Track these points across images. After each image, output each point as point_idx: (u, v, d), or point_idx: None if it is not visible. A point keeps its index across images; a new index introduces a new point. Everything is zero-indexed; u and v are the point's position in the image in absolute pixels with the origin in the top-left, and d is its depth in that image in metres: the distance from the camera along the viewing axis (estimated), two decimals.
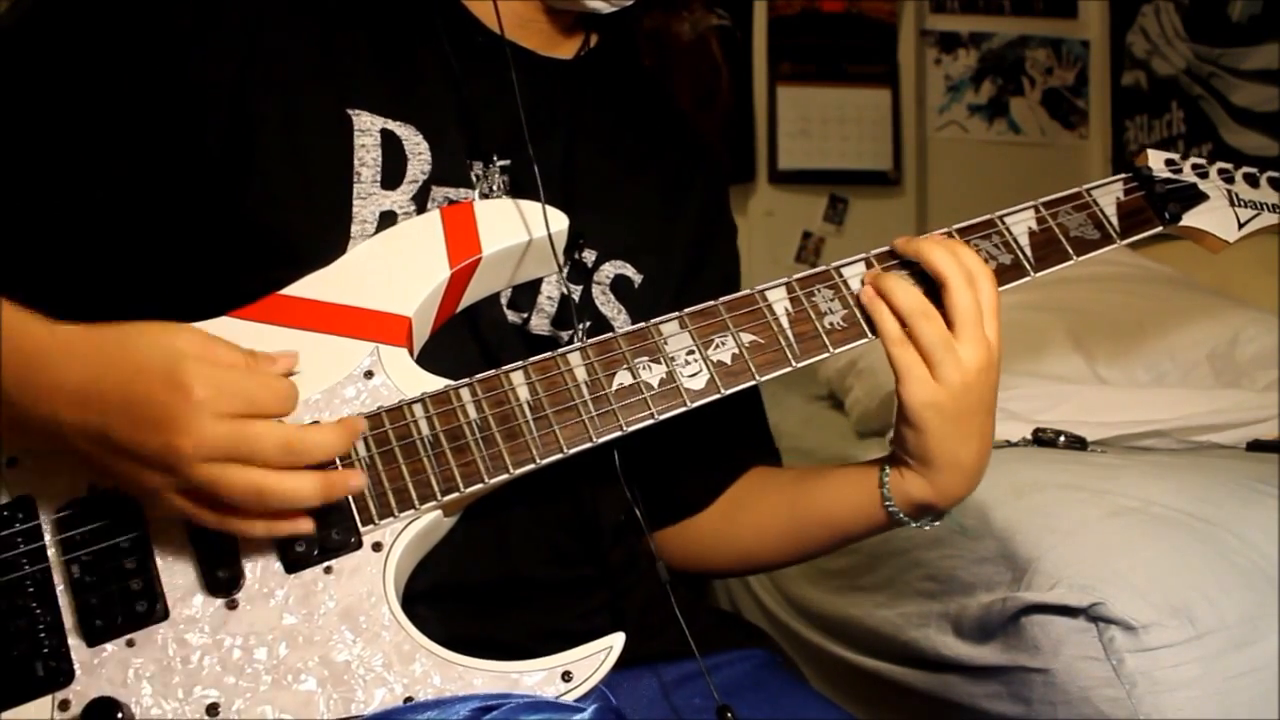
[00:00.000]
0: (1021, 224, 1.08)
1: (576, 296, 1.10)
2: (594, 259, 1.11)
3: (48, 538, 0.89)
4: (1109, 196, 1.12)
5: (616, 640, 0.92)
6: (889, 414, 2.21)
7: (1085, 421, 1.80)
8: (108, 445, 0.82)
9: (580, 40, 1.17)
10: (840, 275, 1.04)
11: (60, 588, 0.88)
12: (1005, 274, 1.06)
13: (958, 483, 1.04)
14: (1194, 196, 1.15)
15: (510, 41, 1.10)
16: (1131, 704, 1.20)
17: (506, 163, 1.07)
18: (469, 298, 1.03)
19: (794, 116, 3.80)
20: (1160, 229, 1.13)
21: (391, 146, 1.01)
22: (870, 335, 1.03)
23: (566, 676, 0.90)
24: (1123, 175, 1.14)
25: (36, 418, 0.83)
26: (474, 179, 1.06)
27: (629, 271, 1.13)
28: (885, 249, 1.06)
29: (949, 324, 0.99)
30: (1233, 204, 1.16)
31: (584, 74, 1.16)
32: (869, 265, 1.04)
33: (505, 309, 1.07)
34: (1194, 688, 1.19)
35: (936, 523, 1.09)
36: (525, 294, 1.07)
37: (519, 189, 1.06)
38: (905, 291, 1.00)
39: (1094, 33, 3.95)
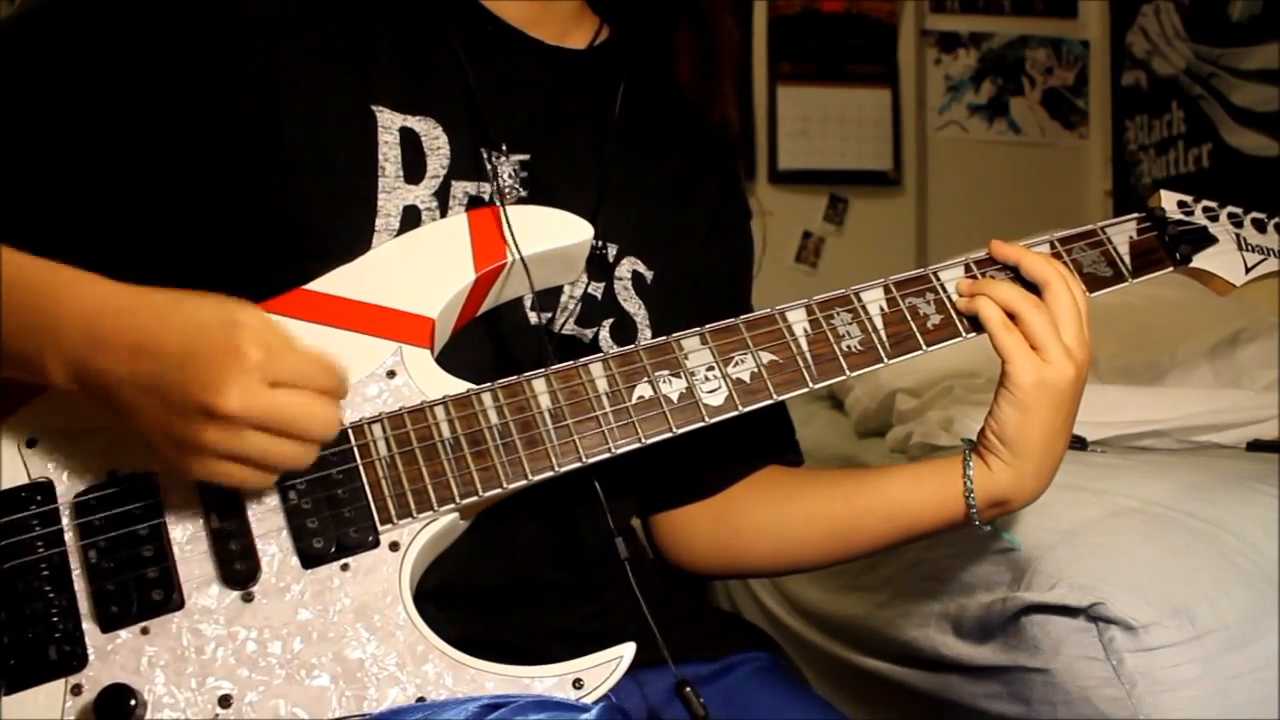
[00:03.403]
0: (1047, 255, 1.10)
1: (599, 294, 1.10)
2: (615, 253, 1.12)
3: (65, 521, 0.90)
4: (1122, 235, 1.14)
5: (627, 650, 0.93)
6: (888, 414, 2.22)
7: (1085, 421, 1.78)
8: (156, 394, 0.82)
9: (592, 31, 1.17)
10: (859, 300, 1.05)
11: (76, 572, 0.89)
12: None
13: (1041, 477, 1.07)
14: (1204, 239, 1.17)
15: (522, 31, 1.11)
16: (1131, 704, 1.20)
17: (525, 157, 1.08)
18: (492, 301, 1.04)
19: (794, 116, 3.80)
20: (1171, 269, 1.15)
21: (410, 143, 1.02)
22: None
23: (577, 684, 0.91)
24: (1136, 215, 1.16)
25: (93, 369, 0.84)
26: (490, 172, 1.06)
27: (641, 267, 1.14)
28: (908, 274, 1.08)
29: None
30: (1241, 248, 1.18)
31: (597, 65, 1.17)
32: (887, 291, 1.06)
33: (528, 310, 1.07)
34: (1194, 688, 1.19)
35: (988, 529, 1.11)
36: (548, 294, 1.07)
37: (536, 182, 1.06)
38: (1009, 285, 1.05)
39: (1094, 33, 3.95)
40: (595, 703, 0.90)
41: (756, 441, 1.23)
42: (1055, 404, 1.03)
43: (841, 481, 1.18)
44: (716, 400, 0.99)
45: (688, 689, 0.94)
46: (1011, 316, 1.04)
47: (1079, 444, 1.74)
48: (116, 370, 0.83)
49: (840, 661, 1.78)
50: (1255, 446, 1.76)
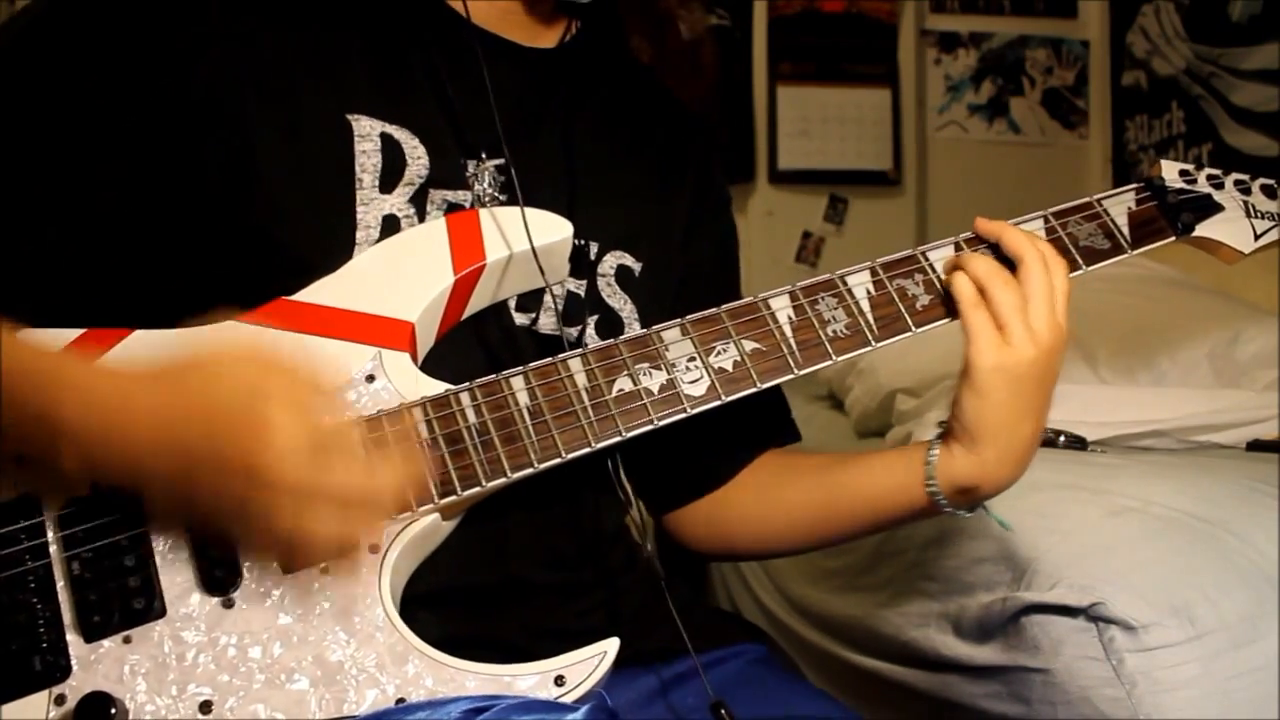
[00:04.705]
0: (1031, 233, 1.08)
1: (582, 292, 1.10)
2: (596, 250, 1.11)
3: (50, 534, 0.90)
4: (1120, 206, 1.11)
5: (611, 645, 0.92)
6: (888, 414, 2.22)
7: (1085, 421, 1.79)
8: (189, 468, 0.82)
9: (562, 28, 1.16)
10: (844, 284, 1.04)
11: (60, 584, 0.89)
12: None
13: (1007, 463, 1.03)
14: (1208, 207, 1.14)
15: (493, 34, 1.10)
16: (1131, 704, 1.20)
17: (502, 161, 1.07)
18: (475, 304, 1.03)
19: (794, 116, 3.80)
20: (1173, 239, 1.12)
21: (391, 150, 1.01)
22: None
23: (559, 681, 0.90)
24: (1135, 185, 1.14)
25: (115, 452, 0.84)
26: (469, 179, 1.06)
27: (629, 261, 1.13)
28: (896, 255, 1.06)
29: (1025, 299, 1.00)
30: (1249, 215, 1.15)
31: (569, 62, 1.16)
32: (874, 274, 1.05)
33: (513, 311, 1.07)
34: (1194, 688, 1.19)
35: (969, 514, 1.08)
36: (532, 294, 1.07)
37: (514, 187, 1.06)
38: (985, 260, 1.02)
39: (1094, 33, 3.95)
40: (582, 704, 0.89)
41: (757, 426, 1.23)
42: (1013, 388, 1.00)
43: (823, 471, 1.17)
44: (698, 390, 0.98)
45: (723, 710, 0.94)
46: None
47: (1079, 444, 1.74)
48: (138, 449, 0.83)
49: (840, 661, 1.78)
50: (1255, 446, 1.76)
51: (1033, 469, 1.53)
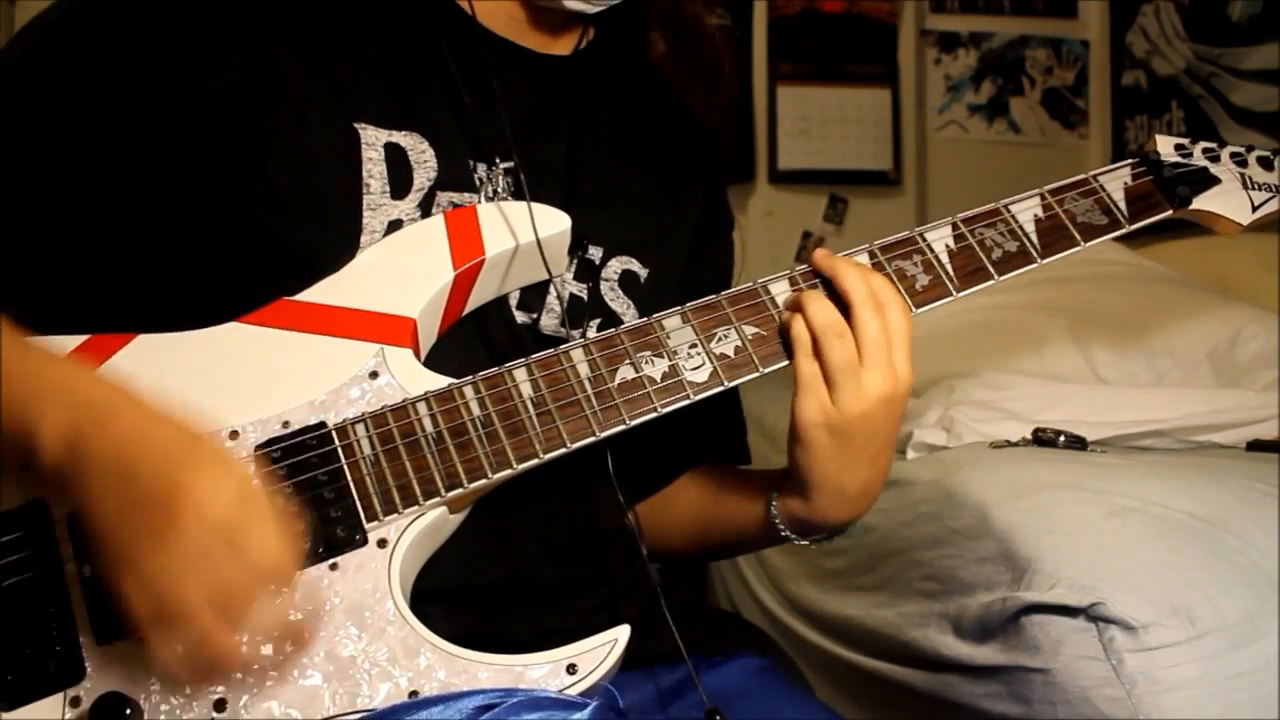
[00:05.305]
0: (1027, 211, 1.08)
1: (585, 294, 1.10)
2: (600, 255, 1.12)
3: (60, 537, 0.89)
4: (1116, 182, 1.12)
5: (621, 633, 0.92)
6: None
7: (1085, 421, 1.80)
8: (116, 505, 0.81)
9: (577, 36, 1.17)
10: None
11: (72, 587, 0.88)
12: (1012, 261, 1.06)
13: (840, 507, 1.04)
14: (1205, 180, 1.14)
15: (507, 40, 1.10)
16: (1131, 704, 1.20)
17: (511, 165, 1.07)
18: (475, 299, 1.04)
19: (794, 116, 3.79)
20: (1170, 212, 1.12)
21: (396, 158, 1.02)
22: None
23: (571, 669, 0.90)
24: (1130, 160, 1.14)
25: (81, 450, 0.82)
26: (478, 182, 1.06)
27: (635, 266, 1.14)
28: (891, 239, 1.06)
29: (858, 349, 0.98)
30: (1246, 187, 1.15)
31: (583, 69, 1.16)
32: (872, 256, 1.05)
33: (514, 310, 1.07)
34: (1194, 687, 1.19)
35: (827, 540, 1.10)
36: (534, 294, 1.08)
37: (523, 192, 1.06)
38: (823, 308, 0.98)
39: (1094, 33, 3.94)
40: (590, 698, 0.89)
41: (701, 443, 1.25)
42: (838, 442, 0.99)
43: (707, 492, 1.21)
44: (700, 376, 0.99)
45: (717, 717, 0.94)
46: None
47: (1079, 444, 1.74)
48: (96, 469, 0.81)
49: (840, 661, 1.78)
50: (1255, 446, 1.76)
51: (1033, 469, 1.55)
